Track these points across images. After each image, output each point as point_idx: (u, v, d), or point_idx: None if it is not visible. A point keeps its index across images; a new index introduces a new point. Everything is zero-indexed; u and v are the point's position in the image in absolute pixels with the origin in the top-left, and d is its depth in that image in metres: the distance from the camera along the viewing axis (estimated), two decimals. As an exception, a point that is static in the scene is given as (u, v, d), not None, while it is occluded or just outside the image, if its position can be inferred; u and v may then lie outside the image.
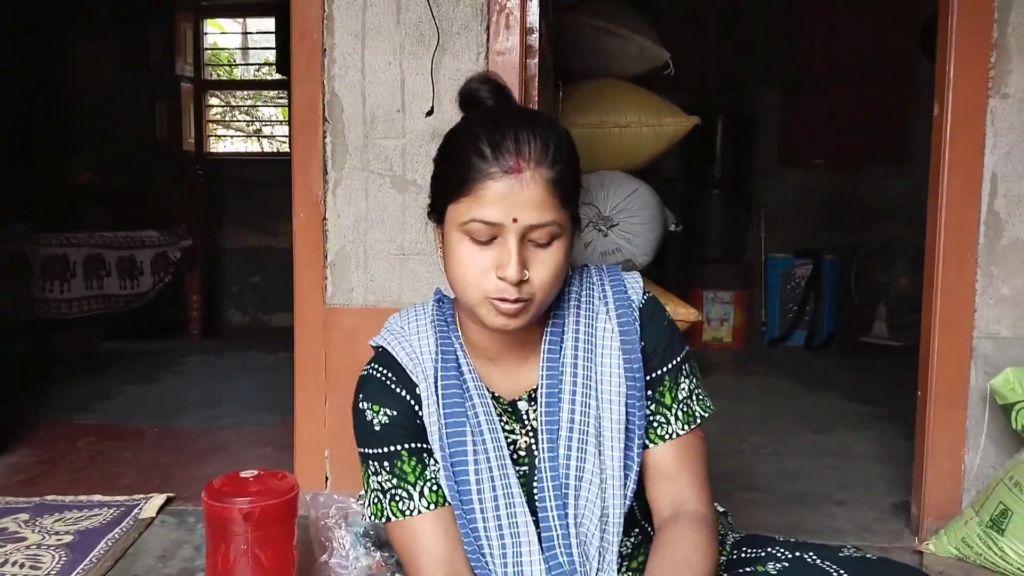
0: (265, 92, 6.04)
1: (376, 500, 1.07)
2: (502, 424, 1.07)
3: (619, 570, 1.08)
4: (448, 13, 1.88)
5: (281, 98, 5.66)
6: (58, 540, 1.76)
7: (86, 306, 3.72)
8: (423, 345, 1.09)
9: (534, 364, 1.08)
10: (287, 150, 1.68)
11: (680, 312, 3.12)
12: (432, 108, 1.89)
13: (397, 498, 1.05)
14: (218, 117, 5.73)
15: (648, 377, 1.07)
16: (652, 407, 1.07)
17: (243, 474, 1.44)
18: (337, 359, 1.93)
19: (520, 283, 0.96)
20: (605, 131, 3.12)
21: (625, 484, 1.04)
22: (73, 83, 4.77)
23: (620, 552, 1.07)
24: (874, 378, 3.64)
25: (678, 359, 1.10)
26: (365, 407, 1.07)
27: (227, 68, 6.33)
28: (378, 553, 1.60)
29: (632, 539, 1.11)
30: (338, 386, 1.91)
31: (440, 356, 1.07)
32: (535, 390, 1.07)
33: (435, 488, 1.05)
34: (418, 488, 1.05)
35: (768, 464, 2.40)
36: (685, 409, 1.08)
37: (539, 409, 1.05)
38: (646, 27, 3.23)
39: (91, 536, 1.78)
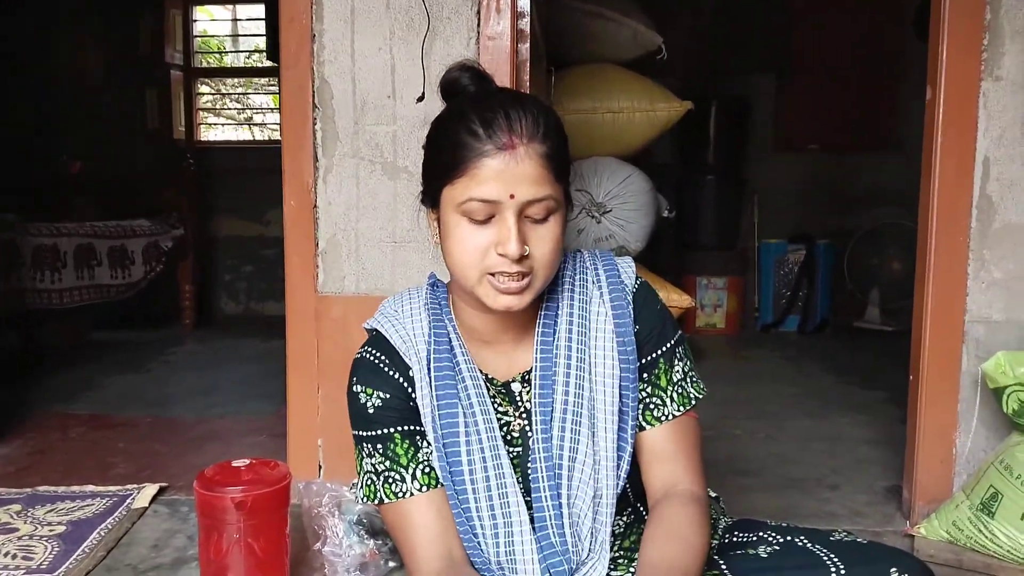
0: (256, 80, 6.01)
1: (369, 482, 1.08)
2: (495, 406, 1.08)
3: (611, 549, 1.08)
4: (438, -3, 1.86)
5: (272, 85, 5.63)
6: (50, 531, 1.75)
7: (77, 296, 3.70)
8: (416, 327, 1.10)
9: (528, 346, 1.09)
10: (278, 138, 1.68)
11: (673, 298, 3.12)
12: (423, 94, 1.87)
13: (390, 480, 1.06)
14: (208, 105, 5.69)
15: (643, 360, 1.09)
16: (648, 389, 1.09)
17: (235, 463, 1.44)
18: (329, 347, 1.92)
19: (521, 259, 0.97)
20: (598, 116, 3.11)
21: (618, 466, 1.05)
22: (62, 72, 4.72)
23: (612, 531, 1.08)
24: (867, 363, 3.65)
25: (672, 342, 1.11)
26: (359, 390, 1.08)
27: (217, 56, 6.28)
28: (372, 541, 1.60)
29: (625, 518, 1.12)
30: (330, 374, 1.91)
31: (433, 338, 1.08)
32: (529, 372, 1.08)
33: (427, 470, 1.06)
34: (410, 470, 1.05)
35: (761, 448, 2.41)
36: (680, 391, 1.10)
37: (533, 391, 1.06)
38: (639, 11, 3.22)
39: (84, 526, 1.77)
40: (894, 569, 0.99)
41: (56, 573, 1.56)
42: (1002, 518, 1.61)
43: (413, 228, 1.90)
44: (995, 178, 1.78)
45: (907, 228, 4.22)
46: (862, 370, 3.45)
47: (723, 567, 1.04)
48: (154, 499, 1.95)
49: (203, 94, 5.57)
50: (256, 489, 1.37)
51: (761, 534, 1.13)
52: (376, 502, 1.07)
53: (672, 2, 4.36)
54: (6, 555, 1.63)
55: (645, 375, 1.09)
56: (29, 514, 1.84)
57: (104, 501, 1.92)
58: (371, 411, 1.07)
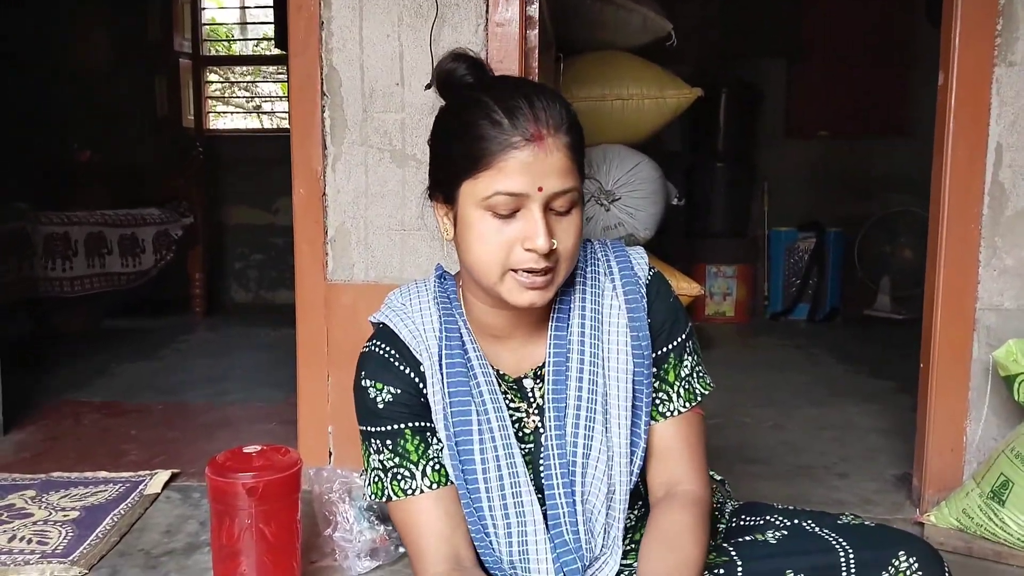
0: (264, 67, 6.00)
1: (377, 479, 1.05)
2: (507, 402, 1.06)
3: (624, 542, 1.07)
4: (446, -16, 1.85)
5: (280, 73, 5.62)
6: (64, 516, 1.77)
7: (88, 284, 3.73)
8: (426, 322, 1.07)
9: (540, 342, 1.07)
10: (287, 126, 1.68)
11: (683, 286, 3.12)
12: (431, 81, 1.86)
13: (399, 477, 1.03)
14: (217, 93, 5.70)
15: (655, 354, 1.07)
16: (655, 384, 1.07)
17: (246, 449, 1.45)
18: (339, 335, 1.93)
19: (548, 253, 0.95)
20: (607, 104, 3.09)
21: (632, 461, 1.04)
22: (71, 61, 4.74)
23: (624, 525, 1.07)
24: (878, 351, 3.64)
25: (683, 336, 1.09)
26: (368, 384, 1.05)
27: (226, 44, 6.28)
28: (382, 527, 1.62)
29: (636, 512, 1.11)
30: (340, 362, 1.92)
31: (444, 333, 1.06)
32: (541, 367, 1.07)
33: (437, 468, 1.04)
34: (420, 467, 1.03)
35: (770, 437, 2.41)
36: (687, 387, 1.08)
37: (546, 386, 1.04)
38: (648, -2, 3.19)
39: (97, 512, 1.79)
40: (902, 552, 0.98)
41: (70, 558, 1.58)
42: (1012, 506, 1.60)
43: (422, 216, 1.89)
44: (1007, 165, 1.76)
45: (918, 215, 4.20)
46: (872, 358, 3.44)
47: (732, 554, 1.04)
48: (166, 485, 1.97)
49: (212, 82, 5.57)
50: (267, 475, 1.38)
51: (768, 518, 1.13)
52: (384, 499, 1.05)
53: (682, -12, 4.33)
54: (21, 540, 1.65)
55: (655, 368, 1.07)
56: (43, 500, 1.86)
57: (117, 487, 1.94)
58: (381, 406, 1.04)
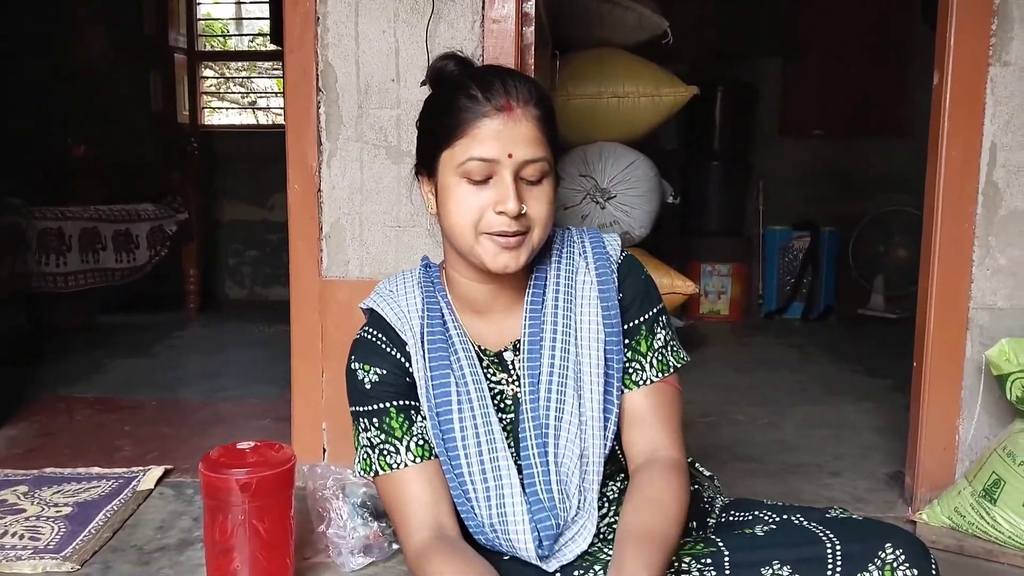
0: (260, 63, 5.98)
1: (365, 456, 1.12)
2: (489, 374, 1.13)
3: (607, 514, 1.13)
4: (443, -20, 1.85)
5: (276, 69, 5.60)
6: (57, 512, 1.76)
7: (82, 280, 3.72)
8: (410, 304, 1.15)
9: (518, 316, 1.14)
10: (283, 122, 1.68)
11: (677, 285, 3.12)
12: (425, 81, 1.86)
13: (385, 452, 1.10)
14: (212, 89, 5.68)
15: (626, 326, 1.14)
16: (628, 354, 1.14)
17: (240, 445, 1.45)
18: (333, 331, 1.92)
19: (518, 216, 1.03)
20: (603, 101, 3.10)
21: (605, 426, 1.10)
22: (66, 55, 4.72)
23: (608, 496, 1.14)
24: (871, 350, 3.65)
25: (654, 310, 1.16)
26: (356, 367, 1.13)
27: (221, 39, 6.26)
28: (375, 523, 1.61)
29: (619, 484, 1.15)
30: (335, 358, 1.91)
31: (426, 312, 1.13)
32: (519, 340, 1.13)
33: (420, 443, 1.10)
34: (404, 443, 1.10)
35: (764, 435, 2.41)
36: (660, 358, 1.14)
37: (521, 356, 1.11)
38: (644, -5, 3.19)
39: (90, 508, 1.78)
40: (889, 544, 0.99)
41: (63, 553, 1.57)
42: (1004, 504, 1.61)
43: (417, 213, 1.90)
44: (1001, 164, 1.77)
45: (912, 215, 4.21)
46: (866, 357, 3.45)
47: (720, 545, 1.05)
48: (160, 481, 1.96)
49: (207, 78, 5.55)
50: (261, 471, 1.37)
51: (757, 513, 1.15)
52: (372, 475, 1.11)
53: (678, -14, 4.33)
54: (14, 535, 1.65)
55: (627, 340, 1.14)
56: (36, 495, 1.85)
57: (110, 483, 1.93)
58: (368, 386, 1.12)
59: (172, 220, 4.31)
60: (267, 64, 5.83)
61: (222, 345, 3.73)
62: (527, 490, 1.07)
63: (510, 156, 1.02)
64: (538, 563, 1.06)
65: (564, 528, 1.07)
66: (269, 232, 5.06)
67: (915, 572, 0.99)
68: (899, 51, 4.49)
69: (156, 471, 1.99)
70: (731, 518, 1.18)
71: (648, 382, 1.13)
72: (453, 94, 1.06)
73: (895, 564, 0.98)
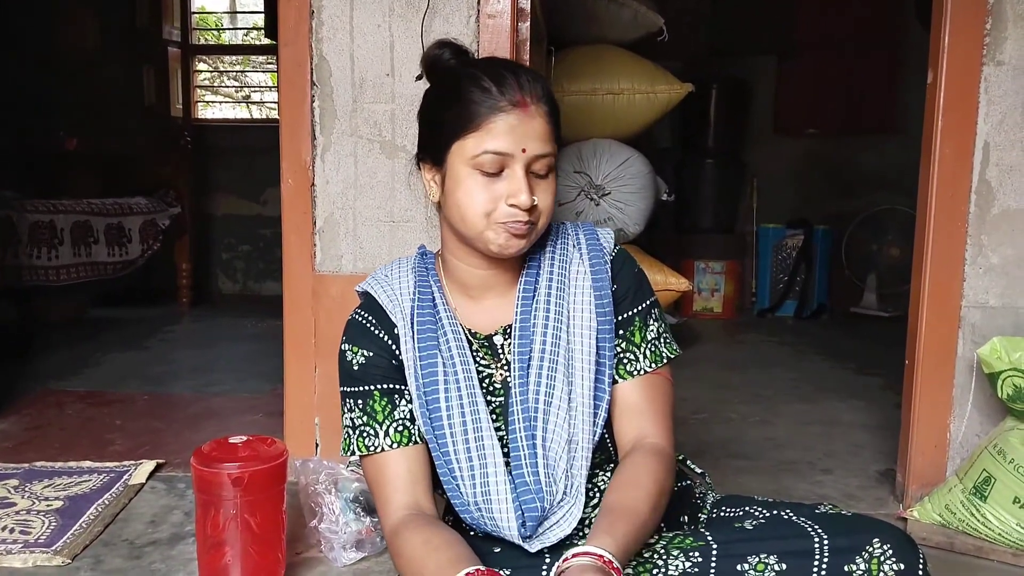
0: (254, 57, 5.96)
1: (347, 435, 1.15)
2: (478, 358, 1.14)
3: (598, 503, 1.12)
4: (438, -25, 1.84)
5: (270, 63, 5.58)
6: (48, 506, 1.76)
7: (74, 273, 3.70)
8: (402, 287, 1.17)
9: (510, 302, 1.16)
10: (277, 116, 1.67)
11: (671, 282, 3.12)
12: (422, 72, 1.86)
13: (364, 434, 1.12)
14: (206, 83, 5.66)
15: (619, 318, 1.16)
16: (622, 345, 1.15)
17: (232, 439, 1.44)
18: (326, 326, 1.92)
19: (529, 209, 1.06)
20: (598, 98, 3.09)
21: (595, 414, 1.11)
22: (58, 48, 4.69)
23: (598, 486, 1.14)
24: (864, 348, 3.66)
25: (648, 302, 1.18)
26: (346, 348, 1.16)
27: (215, 32, 6.23)
28: (367, 518, 1.61)
29: (610, 473, 1.16)
30: (328, 353, 1.91)
31: (417, 295, 1.15)
32: (511, 326, 1.15)
33: (400, 429, 1.12)
34: (384, 427, 1.12)
35: (756, 432, 2.42)
36: (653, 349, 1.16)
37: (512, 340, 1.13)
38: (640, -8, 3.19)
39: (81, 502, 1.78)
40: (876, 539, 1.00)
41: (54, 547, 1.57)
42: (994, 502, 1.62)
43: (411, 208, 1.90)
44: (995, 163, 1.78)
45: (905, 214, 4.22)
46: (858, 356, 3.46)
47: (709, 538, 1.05)
48: (151, 475, 1.96)
49: (201, 71, 5.53)
50: (253, 465, 1.37)
51: (748, 509, 1.16)
52: (350, 454, 1.14)
53: (674, -17, 4.33)
54: (4, 529, 1.64)
55: (620, 331, 1.15)
56: (26, 489, 1.84)
57: (101, 477, 1.92)
58: (355, 368, 1.14)
59: (165, 214, 4.29)
60: (261, 58, 5.81)
61: (214, 339, 3.72)
62: (513, 471, 1.08)
63: (523, 151, 1.05)
64: (520, 543, 1.06)
65: (550, 512, 1.08)
66: (262, 227, 5.04)
67: (902, 566, 0.99)
68: (893, 50, 4.50)
69: (148, 465, 1.99)
70: (722, 514, 1.19)
71: (641, 372, 1.14)
72: (463, 85, 1.07)
73: (882, 558, 0.99)
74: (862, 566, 0.99)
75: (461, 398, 1.10)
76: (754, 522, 1.09)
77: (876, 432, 2.38)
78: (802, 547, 1.00)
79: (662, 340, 1.17)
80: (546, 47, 2.82)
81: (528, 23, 1.89)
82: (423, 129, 1.16)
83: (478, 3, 1.84)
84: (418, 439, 1.12)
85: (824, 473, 2.08)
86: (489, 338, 1.16)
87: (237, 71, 6.08)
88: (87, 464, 2.02)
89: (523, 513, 1.06)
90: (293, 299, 1.94)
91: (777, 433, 2.41)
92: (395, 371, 1.14)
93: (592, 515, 1.12)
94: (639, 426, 1.13)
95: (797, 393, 2.88)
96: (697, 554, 1.03)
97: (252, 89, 5.98)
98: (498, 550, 1.10)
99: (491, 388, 1.14)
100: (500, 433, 1.11)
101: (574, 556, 0.92)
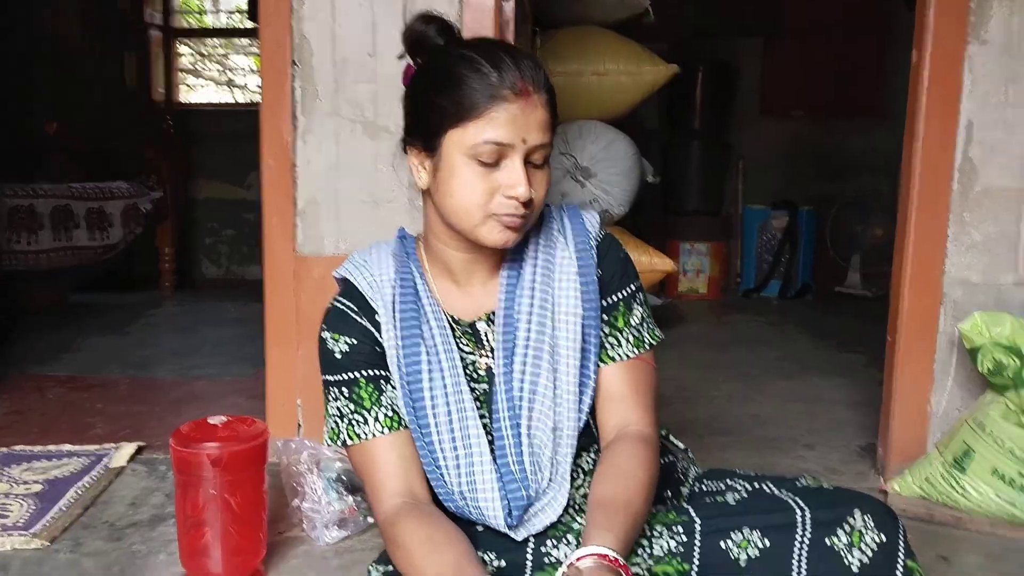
0: (237, 40, 5.89)
1: (334, 425, 1.12)
2: (461, 345, 1.12)
3: (582, 485, 1.12)
4: (420, -48, 1.82)
5: (253, 47, 5.52)
6: (27, 489, 1.74)
7: (55, 258, 3.66)
8: (383, 273, 1.14)
9: (494, 289, 1.13)
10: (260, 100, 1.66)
11: (656, 263, 3.12)
12: (403, 47, 1.84)
13: (354, 423, 1.10)
14: (189, 66, 5.59)
15: (604, 303, 1.14)
16: (605, 330, 1.14)
17: (211, 420, 1.43)
18: (308, 308, 1.91)
19: (527, 202, 1.02)
20: (584, 79, 3.08)
21: (580, 400, 1.10)
22: (39, 31, 4.62)
23: (582, 468, 1.13)
24: (847, 327, 3.68)
25: (632, 288, 1.16)
26: (327, 336, 1.12)
27: (197, 16, 6.15)
28: (350, 498, 1.61)
29: (593, 455, 1.15)
30: (309, 335, 1.87)
31: (399, 281, 1.12)
32: (495, 313, 1.12)
33: (390, 414, 1.09)
34: (373, 413, 1.09)
35: (740, 409, 2.43)
36: (636, 334, 1.14)
37: (496, 328, 1.11)
38: (625, -28, 3.17)
39: (60, 485, 1.76)
40: (857, 510, 1.01)
41: (32, 530, 1.55)
42: (973, 473, 1.63)
43: (393, 188, 1.88)
44: (978, 141, 1.78)
45: (890, 196, 4.22)
46: (842, 334, 3.48)
47: (692, 513, 1.06)
48: (132, 458, 1.95)
49: (183, 55, 5.46)
50: (232, 445, 1.36)
51: (730, 482, 1.17)
52: (340, 444, 1.11)
53: (659, -36, 4.30)
54: (-18, 513, 1.63)
55: (604, 316, 1.14)
56: (5, 473, 1.83)
57: (81, 460, 1.91)
58: (338, 356, 1.10)
59: (147, 198, 4.25)
60: (244, 41, 5.74)
61: (197, 324, 3.70)
62: (498, 461, 1.07)
63: (524, 141, 1.01)
64: (507, 531, 1.06)
65: (535, 499, 1.07)
66: (246, 211, 5.00)
67: (883, 537, 1.00)
68: (881, 34, 4.50)
69: (128, 448, 1.97)
70: (704, 488, 1.19)
71: (624, 357, 1.12)
72: (459, 68, 1.01)
73: (863, 529, 1.00)
74: (844, 539, 0.99)
75: (445, 387, 1.08)
76: (737, 496, 1.10)
77: (858, 408, 2.40)
78: (784, 521, 1.01)
79: (645, 326, 1.15)
80: (531, 28, 2.81)
81: (512, 3, 1.87)
82: (411, 112, 1.10)
83: (460, -20, 1.81)
84: (407, 424, 1.10)
85: (806, 448, 2.09)
86: (472, 325, 1.13)
87: (220, 55, 6.01)
88: (67, 447, 2.00)
89: (509, 502, 1.06)
90: (274, 281, 1.93)
91: (761, 410, 2.43)
92: (379, 357, 1.11)
93: (576, 495, 1.12)
94: (623, 413, 1.11)
95: (781, 371, 2.89)
96: (681, 530, 1.03)
97: (235, 72, 5.92)
98: (481, 530, 1.09)
99: (474, 375, 1.12)
100: (484, 421, 1.09)
101: (579, 559, 0.90)
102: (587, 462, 1.14)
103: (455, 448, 1.07)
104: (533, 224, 1.14)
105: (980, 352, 1.66)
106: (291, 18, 1.86)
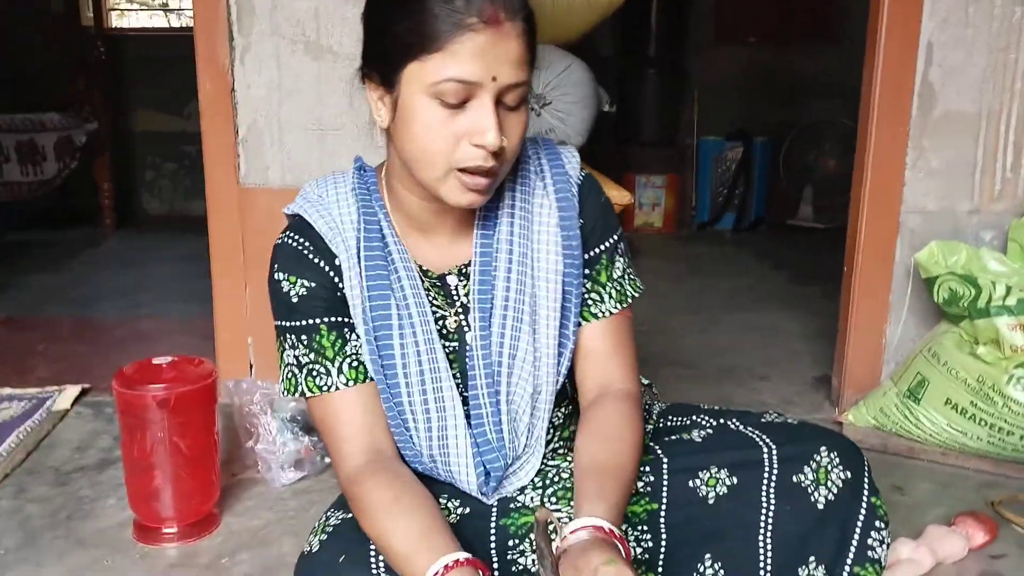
0: (171, -39, 5.58)
1: (291, 375, 1.01)
2: (430, 300, 1.02)
3: (551, 440, 1.08)
4: None
5: (189, -32, 5.24)
6: (-37, 435, 1.67)
7: (-15, 194, 3.48)
8: (344, 215, 1.01)
9: (466, 239, 1.02)
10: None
11: (613, 195, 3.07)
12: (348, -33, 1.73)
13: (314, 373, 0.99)
14: (119, -12, 5.29)
15: (586, 255, 1.04)
16: (588, 285, 1.05)
17: (156, 360, 1.38)
18: (255, 242, 1.83)
19: (497, 151, 0.89)
20: (536, 0, 2.96)
21: (559, 362, 1.02)
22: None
23: (552, 423, 1.07)
24: (801, 259, 3.71)
25: (615, 238, 1.07)
26: (281, 278, 1.00)
27: (127, -66, 5.78)
28: (306, 438, 1.57)
29: (563, 410, 1.10)
30: (258, 269, 1.82)
31: (364, 226, 1.00)
32: (466, 265, 1.02)
33: (355, 364, 0.99)
34: (336, 364, 0.99)
35: (696, 341, 2.44)
36: (618, 288, 1.07)
37: (472, 286, 1.01)
38: None
39: (1, 429, 1.69)
40: (823, 447, 1.01)
41: (-30, 478, 1.49)
42: (927, 403, 1.66)
43: (342, 114, 1.80)
44: (938, 64, 1.75)
45: (845, 125, 4.23)
46: (796, 266, 3.51)
47: (658, 452, 1.04)
48: (76, 401, 1.88)
49: (112, -24, 5.15)
50: (179, 387, 1.31)
51: (694, 418, 1.14)
52: (297, 395, 1.01)
53: None
54: (-85, 461, 1.55)
55: (586, 270, 1.05)
56: (-61, 419, 1.75)
57: (23, 404, 1.83)
58: (295, 300, 0.99)
59: (81, 130, 4.03)
60: (178, -38, 5.44)
61: (141, 261, 3.57)
62: (474, 427, 1.00)
63: (494, 79, 0.86)
64: (480, 497, 1.01)
65: (510, 464, 1.02)
66: (187, 143, 4.79)
67: (848, 474, 1.00)
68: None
69: (72, 390, 1.90)
70: (668, 423, 1.17)
71: (607, 314, 1.05)
72: None
73: (829, 466, 1.00)
74: (810, 475, 0.99)
75: (417, 344, 0.98)
76: (702, 433, 1.07)
77: (813, 340, 2.42)
78: (751, 458, 1.00)
79: (627, 278, 1.08)
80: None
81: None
82: (368, 38, 0.95)
83: None
84: (372, 376, 0.99)
85: (761, 380, 2.11)
86: (442, 277, 1.03)
87: (153, -24, 5.69)
88: (7, 391, 1.92)
89: (487, 469, 1.00)
90: (218, 214, 1.85)
91: (717, 341, 2.44)
92: (341, 303, 0.99)
93: (547, 450, 1.06)
94: (605, 370, 1.04)
95: (736, 303, 2.91)
96: (648, 469, 1.01)
97: (170, -4, 5.62)
98: (446, 482, 1.04)
99: (443, 332, 1.02)
100: (456, 382, 1.01)
101: (572, 533, 0.84)
102: (558, 417, 1.09)
103: (427, 411, 0.99)
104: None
105: (936, 282, 1.67)
106: (225, -70, 1.73)
